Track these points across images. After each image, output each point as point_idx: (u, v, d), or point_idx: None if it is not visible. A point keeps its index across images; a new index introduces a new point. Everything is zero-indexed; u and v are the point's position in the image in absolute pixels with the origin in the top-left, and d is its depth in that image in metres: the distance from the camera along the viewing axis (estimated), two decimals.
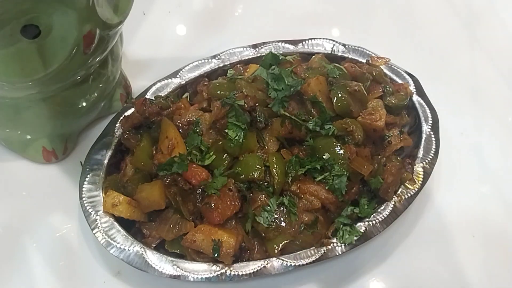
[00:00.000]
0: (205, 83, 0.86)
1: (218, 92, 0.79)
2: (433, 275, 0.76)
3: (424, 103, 0.85)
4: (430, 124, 0.83)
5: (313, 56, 0.88)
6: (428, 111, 0.84)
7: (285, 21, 1.10)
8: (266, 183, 0.72)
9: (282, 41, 0.92)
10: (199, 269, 0.69)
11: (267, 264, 0.69)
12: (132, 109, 0.82)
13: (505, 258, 0.77)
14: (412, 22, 1.11)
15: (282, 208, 0.71)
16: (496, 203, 0.83)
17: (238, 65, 0.89)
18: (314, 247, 0.71)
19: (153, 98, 0.83)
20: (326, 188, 0.72)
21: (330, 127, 0.75)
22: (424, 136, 0.82)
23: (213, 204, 0.69)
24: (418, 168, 0.79)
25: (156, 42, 1.04)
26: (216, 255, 0.68)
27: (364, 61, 0.90)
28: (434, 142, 0.81)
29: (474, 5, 1.14)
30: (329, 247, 0.71)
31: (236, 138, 0.72)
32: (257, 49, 0.91)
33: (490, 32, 1.09)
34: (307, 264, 0.69)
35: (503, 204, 0.83)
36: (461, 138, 0.91)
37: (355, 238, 0.72)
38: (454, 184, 0.85)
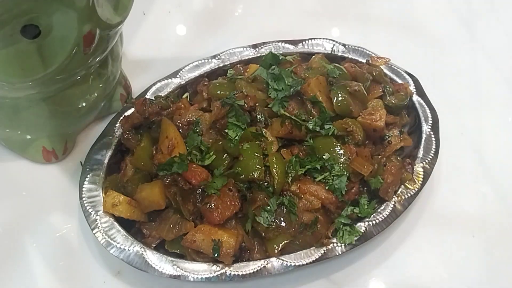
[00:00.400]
0: (205, 83, 0.86)
1: (218, 92, 0.79)
2: (433, 275, 0.75)
3: (424, 103, 0.85)
4: (430, 124, 0.83)
5: (313, 56, 0.88)
6: (428, 111, 0.84)
7: (285, 21, 1.11)
8: (266, 183, 0.72)
9: (282, 41, 0.92)
10: (199, 269, 0.69)
11: (267, 264, 0.69)
12: (132, 109, 0.82)
13: (506, 258, 0.77)
14: (413, 22, 1.11)
15: (282, 208, 0.71)
16: (496, 203, 0.83)
17: (238, 65, 0.89)
18: (314, 247, 0.71)
19: (153, 98, 0.83)
20: (326, 188, 0.72)
21: (330, 127, 0.75)
22: (424, 136, 0.82)
23: (213, 204, 0.69)
24: (418, 168, 0.79)
25: (156, 42, 1.04)
26: (216, 255, 0.68)
27: (364, 61, 0.90)
28: (434, 142, 0.81)
29: (474, 5, 1.14)
30: (329, 247, 0.71)
31: (236, 138, 0.72)
32: (257, 49, 0.91)
33: (490, 32, 1.09)
34: (307, 264, 0.69)
35: (504, 204, 0.83)
36: (461, 138, 0.91)
37: (355, 238, 0.71)
38: (454, 184, 0.85)
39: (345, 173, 0.73)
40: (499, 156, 0.89)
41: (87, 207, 0.74)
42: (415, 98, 0.86)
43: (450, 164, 0.86)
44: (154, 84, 0.87)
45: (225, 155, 0.73)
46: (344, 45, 0.92)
